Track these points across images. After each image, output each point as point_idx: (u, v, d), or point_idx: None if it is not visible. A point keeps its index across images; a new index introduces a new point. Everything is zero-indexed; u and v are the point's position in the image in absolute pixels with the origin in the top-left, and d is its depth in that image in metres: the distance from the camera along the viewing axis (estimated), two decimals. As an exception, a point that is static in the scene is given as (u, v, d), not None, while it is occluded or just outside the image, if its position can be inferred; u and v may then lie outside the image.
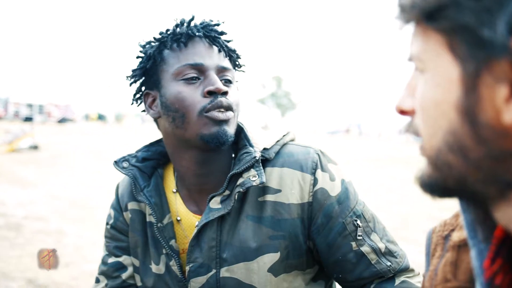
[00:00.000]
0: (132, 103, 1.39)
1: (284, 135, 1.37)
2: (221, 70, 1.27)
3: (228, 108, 1.24)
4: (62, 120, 47.82)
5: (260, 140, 1.34)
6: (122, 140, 24.27)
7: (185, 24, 1.29)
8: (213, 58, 1.27)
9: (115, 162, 1.40)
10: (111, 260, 1.46)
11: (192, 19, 1.31)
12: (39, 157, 14.80)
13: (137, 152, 1.44)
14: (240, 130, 1.36)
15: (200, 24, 1.30)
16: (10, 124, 31.66)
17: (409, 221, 7.79)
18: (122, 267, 1.45)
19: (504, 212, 0.56)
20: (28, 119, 43.24)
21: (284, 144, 1.35)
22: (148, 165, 1.42)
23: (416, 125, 0.60)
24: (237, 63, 1.38)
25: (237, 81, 1.37)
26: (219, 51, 1.29)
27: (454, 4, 0.51)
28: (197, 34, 1.26)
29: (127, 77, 1.34)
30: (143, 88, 1.36)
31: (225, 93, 1.24)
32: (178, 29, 1.28)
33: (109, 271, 1.45)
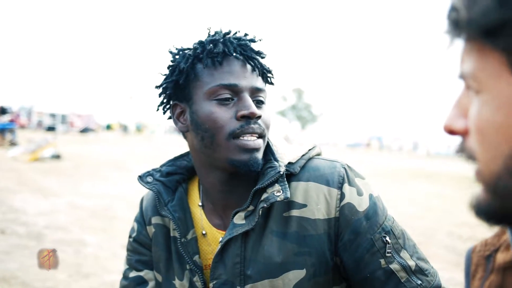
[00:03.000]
0: (158, 110, 1.38)
1: (310, 149, 1.35)
2: (255, 91, 1.26)
3: (260, 135, 1.24)
4: (84, 130, 48.33)
5: (285, 154, 1.32)
6: (143, 151, 24.43)
7: (221, 41, 1.27)
8: (247, 78, 1.25)
9: (139, 177, 1.39)
10: (132, 274, 1.45)
11: (228, 33, 1.29)
12: (61, 166, 14.94)
13: (161, 166, 1.43)
14: (266, 145, 1.34)
15: (235, 39, 1.28)
16: (33, 134, 32.09)
17: (431, 236, 7.69)
18: (143, 282, 1.43)
19: None
20: (51, 128, 43.88)
21: (310, 159, 1.33)
22: (173, 179, 1.41)
23: (471, 148, 0.57)
24: (269, 80, 1.36)
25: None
26: (253, 70, 1.27)
27: None
28: (233, 54, 1.25)
29: (157, 86, 1.34)
30: (171, 99, 1.35)
31: (258, 117, 1.23)
32: (212, 46, 1.25)
33: (130, 286, 1.44)
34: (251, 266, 1.24)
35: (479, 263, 0.78)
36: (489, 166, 0.54)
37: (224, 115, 1.22)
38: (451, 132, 0.61)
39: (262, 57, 1.31)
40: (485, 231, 0.84)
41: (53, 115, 50.58)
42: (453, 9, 0.55)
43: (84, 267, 5.09)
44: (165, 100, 1.36)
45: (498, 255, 0.74)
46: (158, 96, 1.35)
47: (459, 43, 0.56)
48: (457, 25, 0.54)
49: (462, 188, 14.82)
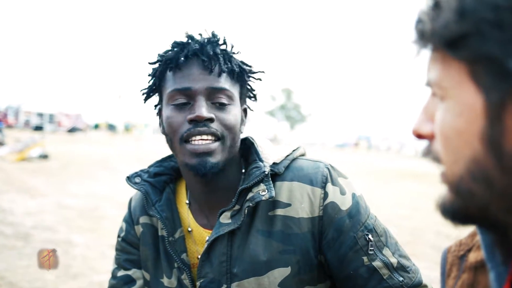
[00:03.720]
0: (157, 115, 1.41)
1: (294, 150, 1.38)
2: (213, 92, 1.24)
3: (218, 137, 1.24)
4: (72, 130, 48.04)
5: (270, 154, 1.34)
6: (131, 151, 24.33)
7: (181, 46, 1.27)
8: (204, 80, 1.24)
9: (128, 177, 1.41)
10: (121, 273, 1.47)
11: (192, 37, 1.29)
12: (49, 166, 14.86)
13: (149, 167, 1.46)
14: (250, 145, 1.38)
15: (197, 43, 1.27)
16: (20, 133, 31.86)
17: (418, 236, 7.74)
18: (131, 281, 1.45)
19: None
20: (39, 128, 43.52)
21: (294, 159, 1.35)
22: (160, 180, 1.43)
23: (436, 151, 0.60)
24: (245, 75, 1.34)
25: (252, 94, 1.38)
26: (211, 71, 1.25)
27: (477, 33, 0.50)
28: (189, 56, 1.25)
29: (142, 93, 1.36)
30: (158, 103, 1.38)
31: (209, 120, 1.22)
32: (174, 52, 1.27)
33: (118, 285, 1.45)
34: (237, 265, 1.26)
35: (454, 263, 0.80)
36: (452, 168, 0.56)
37: (177, 119, 1.24)
38: (419, 136, 0.64)
39: (226, 56, 1.29)
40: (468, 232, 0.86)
41: (40, 115, 50.18)
42: (419, 21, 0.57)
43: (72, 268, 5.07)
44: (156, 105, 1.39)
45: (470, 255, 0.77)
46: (143, 102, 1.38)
47: (426, 53, 0.58)
48: (423, 36, 0.56)
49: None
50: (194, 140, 1.22)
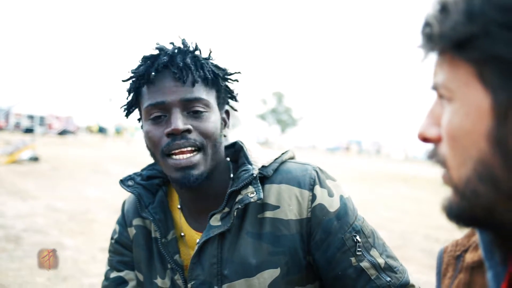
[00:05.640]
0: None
1: (282, 153, 1.40)
2: (188, 103, 1.24)
3: (198, 147, 1.25)
4: (63, 132, 47.62)
5: (259, 158, 1.36)
6: (122, 153, 24.24)
7: (151, 60, 1.27)
8: (178, 91, 1.23)
9: (121, 181, 1.43)
10: (113, 275, 1.48)
11: (162, 48, 1.29)
12: (39, 169, 14.78)
13: (142, 170, 1.48)
14: (239, 149, 1.40)
15: (166, 55, 1.26)
16: (11, 136, 31.64)
17: (408, 239, 7.77)
18: (123, 282, 1.47)
19: None
20: (29, 130, 43.26)
21: (283, 162, 1.38)
22: (153, 183, 1.45)
23: (441, 154, 0.60)
24: (219, 80, 1.33)
25: (229, 97, 1.39)
26: (183, 82, 1.24)
27: (485, 34, 0.51)
28: (160, 69, 1.25)
29: (122, 109, 1.37)
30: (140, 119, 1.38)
31: (186, 131, 1.23)
32: (144, 67, 1.26)
33: (111, 286, 1.47)
34: (227, 267, 1.28)
35: (450, 263, 0.82)
36: (459, 170, 0.57)
37: (156, 133, 1.25)
38: (425, 139, 0.64)
39: (198, 64, 1.28)
40: (462, 234, 0.88)
41: (31, 117, 49.76)
42: (427, 24, 0.59)
43: (63, 270, 5.05)
44: (138, 118, 1.39)
45: (467, 255, 0.78)
46: (125, 117, 1.39)
47: (432, 57, 0.60)
48: (431, 39, 0.58)
49: (439, 192, 14.91)
50: (175, 154, 1.23)
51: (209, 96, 1.28)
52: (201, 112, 1.25)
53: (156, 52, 1.29)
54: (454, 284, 0.78)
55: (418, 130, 0.64)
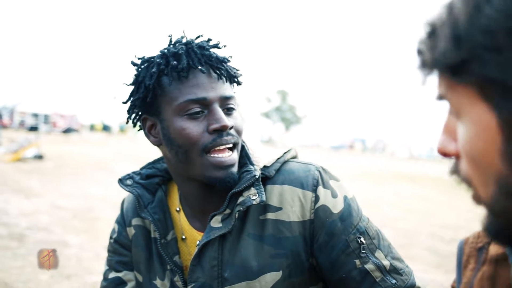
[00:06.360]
0: (127, 123, 1.37)
1: (285, 153, 1.37)
2: (224, 100, 1.25)
3: (234, 144, 1.25)
4: (67, 130, 47.72)
5: (261, 157, 1.34)
6: (126, 151, 24.29)
7: (184, 54, 1.23)
8: (215, 89, 1.23)
9: (120, 180, 1.41)
10: (112, 275, 1.47)
11: (190, 42, 1.27)
12: (44, 167, 14.82)
13: (141, 169, 1.45)
14: (241, 149, 1.36)
15: (198, 48, 1.25)
16: (15, 133, 31.73)
17: (412, 237, 7.76)
18: (121, 283, 1.45)
19: None
20: (34, 128, 43.29)
21: (285, 162, 1.35)
22: (152, 182, 1.42)
23: (464, 172, 0.59)
24: (238, 81, 1.34)
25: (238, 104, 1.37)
26: (219, 79, 1.25)
27: (475, 58, 0.50)
28: (198, 67, 1.22)
29: (123, 102, 1.33)
30: (140, 113, 1.33)
31: (231, 128, 1.23)
32: (176, 61, 1.22)
33: (109, 287, 1.46)
34: (228, 269, 1.26)
35: (471, 254, 0.80)
36: (485, 190, 0.56)
37: (195, 130, 1.21)
38: (445, 154, 0.63)
39: (227, 62, 1.29)
40: (467, 233, 0.87)
41: (35, 115, 49.87)
42: (419, 51, 0.58)
43: (66, 268, 5.06)
44: (133, 115, 1.34)
45: (491, 248, 0.77)
46: (126, 111, 1.34)
47: (432, 78, 0.58)
48: (425, 66, 0.57)
49: (444, 190, 14.97)
50: (217, 151, 1.22)
51: (235, 96, 1.30)
52: (234, 109, 1.28)
53: (184, 47, 1.25)
54: (477, 277, 0.77)
55: (437, 146, 0.63)
